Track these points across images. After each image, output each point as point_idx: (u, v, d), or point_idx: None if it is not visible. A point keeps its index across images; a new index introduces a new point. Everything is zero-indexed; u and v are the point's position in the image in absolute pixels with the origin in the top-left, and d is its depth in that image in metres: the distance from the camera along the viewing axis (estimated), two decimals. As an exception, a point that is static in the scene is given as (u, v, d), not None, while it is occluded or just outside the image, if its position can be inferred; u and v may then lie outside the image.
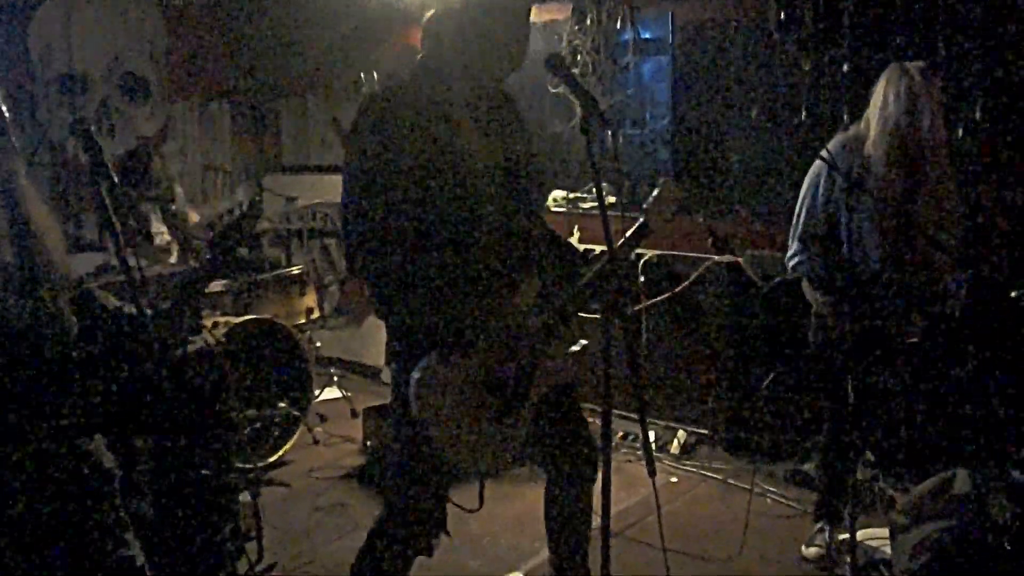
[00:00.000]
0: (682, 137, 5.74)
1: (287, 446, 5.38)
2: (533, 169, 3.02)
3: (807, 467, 4.91)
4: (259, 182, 7.19)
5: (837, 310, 3.85)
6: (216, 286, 5.46)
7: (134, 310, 2.79)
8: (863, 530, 4.09)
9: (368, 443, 5.53)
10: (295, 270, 6.03)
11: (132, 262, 2.59)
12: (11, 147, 2.61)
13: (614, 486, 2.59)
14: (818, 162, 3.91)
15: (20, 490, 2.49)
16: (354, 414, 6.10)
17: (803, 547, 4.21)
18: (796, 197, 4.06)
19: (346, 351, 7.33)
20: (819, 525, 4.19)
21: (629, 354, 2.59)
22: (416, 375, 2.62)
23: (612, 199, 5.69)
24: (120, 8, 7.48)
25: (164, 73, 7.83)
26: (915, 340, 3.85)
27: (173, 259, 5.95)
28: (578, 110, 2.49)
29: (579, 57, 5.99)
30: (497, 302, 2.80)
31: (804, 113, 5.16)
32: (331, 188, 6.87)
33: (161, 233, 6.01)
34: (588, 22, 5.94)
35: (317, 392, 6.08)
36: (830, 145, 3.93)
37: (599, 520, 2.55)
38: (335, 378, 6.68)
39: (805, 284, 4.05)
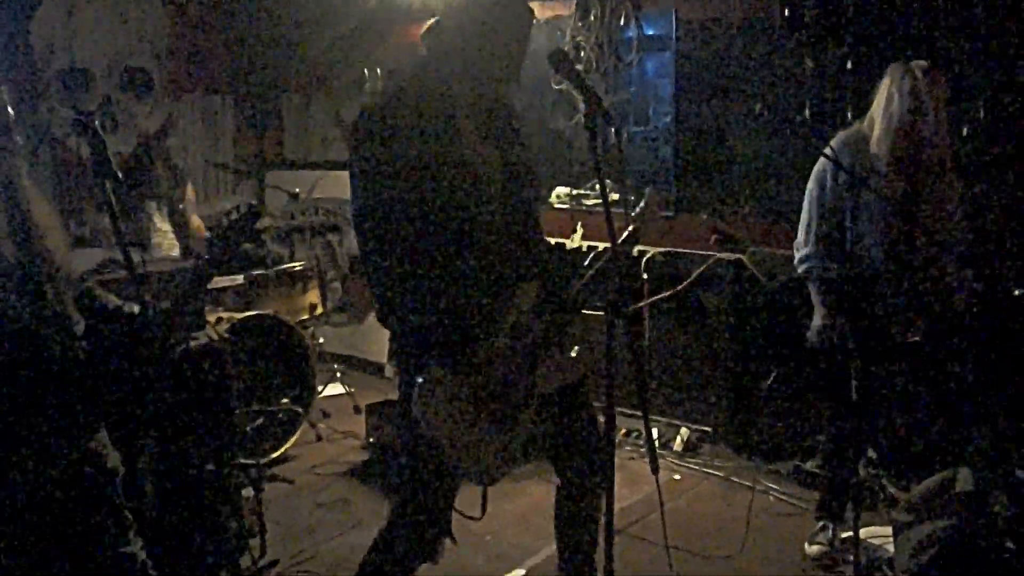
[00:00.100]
0: (685, 134, 5.74)
1: (290, 442, 5.39)
2: (531, 174, 3.02)
3: (810, 465, 4.92)
4: (261, 178, 7.20)
5: (841, 309, 3.85)
6: (223, 282, 5.46)
7: (135, 308, 2.80)
8: (865, 528, 4.08)
9: (371, 439, 5.54)
10: (298, 266, 6.03)
11: (135, 259, 2.60)
12: (14, 145, 2.61)
13: (617, 483, 2.60)
14: (823, 160, 3.91)
15: (23, 488, 2.49)
16: (357, 410, 6.11)
17: (805, 545, 4.21)
18: (800, 195, 4.06)
19: (349, 347, 7.34)
20: (821, 523, 4.20)
21: (632, 352, 2.58)
22: (420, 380, 2.62)
23: (615, 196, 5.68)
24: (122, 4, 7.48)
25: (166, 69, 7.82)
26: (918, 339, 3.85)
27: (175, 253, 5.95)
28: (581, 107, 2.48)
29: (582, 54, 5.98)
30: (498, 306, 2.79)
31: (807, 111, 5.16)
32: (334, 184, 6.89)
33: (161, 230, 6.01)
34: (592, 18, 5.94)
35: (320, 388, 6.08)
36: (834, 142, 3.93)
37: (602, 517, 2.55)
38: (338, 374, 6.69)
39: (812, 285, 4.04)
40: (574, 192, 6.14)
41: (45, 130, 7.07)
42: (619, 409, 3.92)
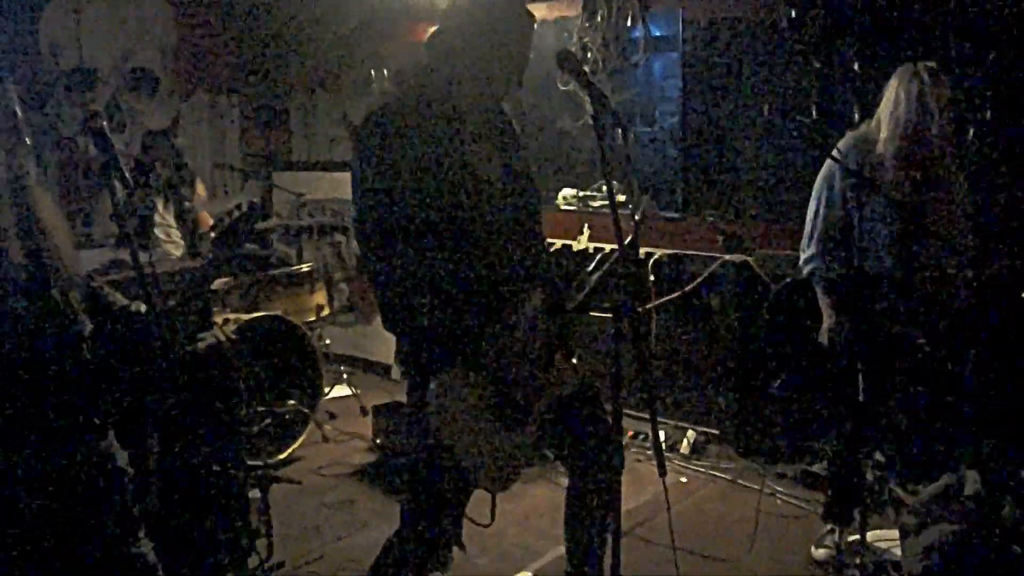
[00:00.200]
0: (692, 135, 5.73)
1: (296, 443, 5.39)
2: (530, 179, 3.03)
3: (816, 468, 4.90)
4: (268, 179, 7.20)
5: (848, 312, 3.84)
6: (229, 283, 5.47)
7: (142, 308, 2.80)
8: (872, 532, 4.08)
9: (377, 440, 5.53)
10: (305, 267, 6.03)
11: (143, 259, 2.60)
12: (22, 146, 2.61)
13: (624, 485, 2.59)
14: (830, 162, 3.91)
15: (33, 488, 2.49)
16: (363, 411, 6.10)
17: (812, 548, 4.20)
18: (806, 196, 4.05)
19: (356, 348, 7.34)
20: (829, 526, 4.18)
21: (639, 354, 2.57)
22: (433, 386, 2.61)
23: (622, 197, 5.68)
24: (128, 5, 7.49)
25: (172, 69, 7.84)
26: (925, 341, 3.83)
27: (179, 253, 5.96)
28: (588, 107, 2.48)
29: (589, 54, 5.97)
30: (504, 312, 2.79)
31: (814, 112, 5.15)
32: (340, 184, 6.89)
33: (164, 225, 6.02)
34: (598, 19, 5.93)
35: (326, 389, 6.08)
36: (841, 143, 3.93)
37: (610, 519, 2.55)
38: (344, 375, 6.69)
39: (816, 285, 4.04)
40: (580, 194, 6.13)
41: (52, 130, 7.08)
42: (626, 411, 3.91)
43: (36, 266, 2.53)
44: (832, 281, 3.91)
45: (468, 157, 2.77)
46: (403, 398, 2.99)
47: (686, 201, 5.78)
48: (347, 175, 2.78)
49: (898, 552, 3.79)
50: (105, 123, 2.68)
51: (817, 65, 5.12)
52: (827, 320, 3.97)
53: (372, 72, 7.10)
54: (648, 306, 5.43)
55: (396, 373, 6.94)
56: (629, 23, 5.85)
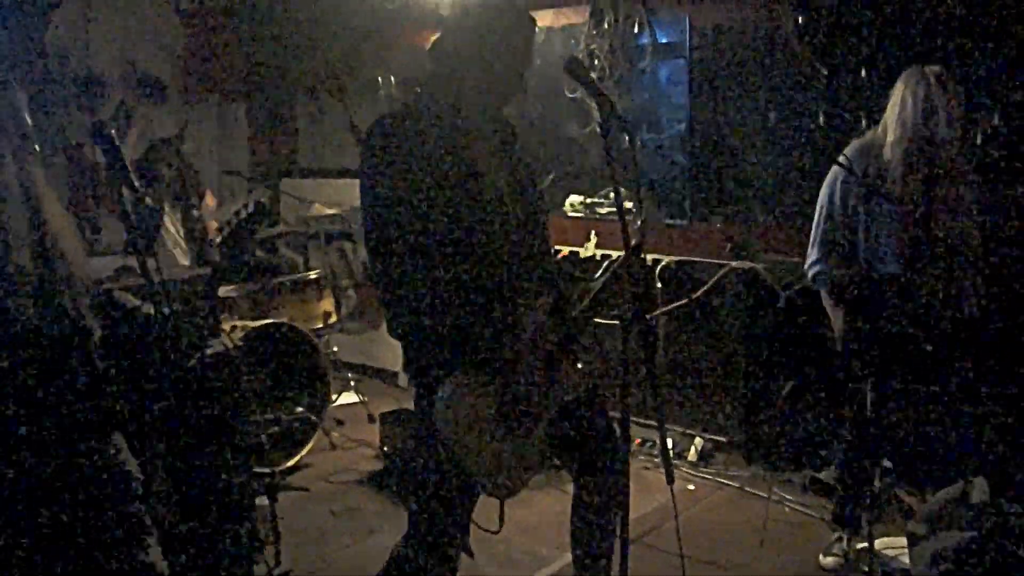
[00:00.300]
0: (699, 142, 5.73)
1: (304, 451, 5.39)
2: (535, 187, 3.03)
3: (824, 475, 4.89)
4: (276, 185, 7.21)
5: (854, 317, 3.83)
6: (237, 290, 5.48)
7: (152, 310, 2.80)
8: (881, 539, 4.07)
9: (384, 448, 5.53)
10: (312, 274, 6.03)
11: (151, 265, 2.60)
12: (32, 152, 2.61)
13: (631, 493, 2.59)
14: (836, 168, 3.91)
15: (41, 493, 2.49)
16: (371, 419, 6.10)
17: (820, 556, 4.19)
18: (814, 203, 4.05)
19: (363, 355, 7.34)
20: (837, 534, 4.18)
21: (646, 361, 2.57)
22: (441, 393, 2.61)
23: (630, 204, 5.67)
24: (136, 12, 7.51)
25: (180, 75, 7.85)
26: (933, 346, 3.83)
27: (185, 261, 5.97)
28: (596, 114, 2.48)
29: (596, 61, 5.97)
30: (511, 319, 2.79)
31: (821, 118, 5.14)
32: (348, 192, 6.89)
33: (170, 233, 6.03)
34: (605, 26, 5.92)
35: (334, 396, 6.08)
36: (847, 150, 3.93)
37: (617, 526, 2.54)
38: (352, 382, 6.69)
39: (824, 292, 4.03)
40: (588, 200, 6.13)
41: (60, 137, 7.09)
42: (633, 418, 3.90)
43: (46, 271, 2.53)
44: (836, 286, 3.90)
45: (474, 164, 2.77)
46: (410, 405, 2.99)
47: (693, 207, 5.77)
48: (355, 183, 2.79)
49: (906, 559, 3.79)
50: (112, 130, 2.69)
51: (823, 71, 5.12)
52: (837, 326, 3.97)
53: (379, 79, 7.11)
54: (655, 313, 5.42)
55: (403, 380, 6.94)
56: (636, 30, 5.85)
